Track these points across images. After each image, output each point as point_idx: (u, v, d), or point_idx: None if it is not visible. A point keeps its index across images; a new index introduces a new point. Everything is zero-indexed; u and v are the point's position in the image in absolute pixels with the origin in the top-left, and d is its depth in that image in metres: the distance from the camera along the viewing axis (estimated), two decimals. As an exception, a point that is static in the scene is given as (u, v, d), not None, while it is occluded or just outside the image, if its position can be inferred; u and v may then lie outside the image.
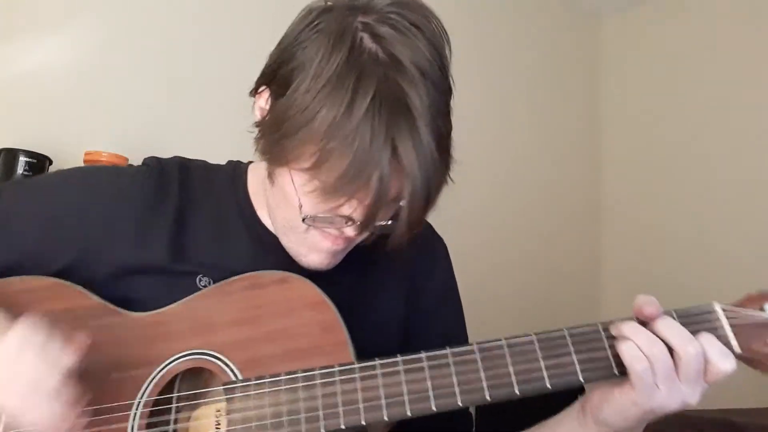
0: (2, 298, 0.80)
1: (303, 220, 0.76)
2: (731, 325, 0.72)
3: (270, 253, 0.85)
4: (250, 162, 0.95)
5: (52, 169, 1.71)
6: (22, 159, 1.64)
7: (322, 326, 0.76)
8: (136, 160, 0.95)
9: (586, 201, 3.36)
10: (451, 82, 0.78)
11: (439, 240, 1.01)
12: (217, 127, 1.91)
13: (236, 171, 0.94)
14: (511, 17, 3.18)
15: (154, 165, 0.90)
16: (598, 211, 3.38)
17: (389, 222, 0.76)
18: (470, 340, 0.96)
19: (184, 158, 0.95)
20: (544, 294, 3.04)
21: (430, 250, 0.98)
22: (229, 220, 0.89)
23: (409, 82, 0.70)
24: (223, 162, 0.98)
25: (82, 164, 1.73)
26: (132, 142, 1.93)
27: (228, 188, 0.92)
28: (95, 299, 0.81)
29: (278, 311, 0.78)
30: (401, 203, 0.72)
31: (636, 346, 0.68)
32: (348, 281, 0.81)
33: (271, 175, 0.80)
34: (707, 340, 0.68)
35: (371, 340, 0.77)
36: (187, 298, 0.80)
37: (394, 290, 0.93)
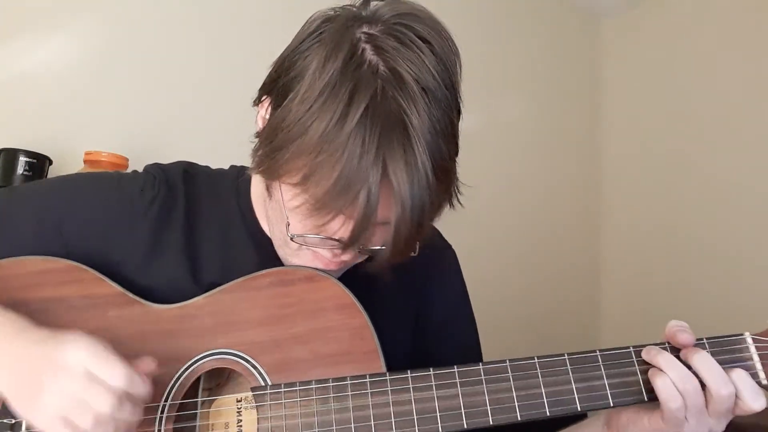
0: (21, 278, 0.77)
1: (291, 239, 0.73)
2: (760, 356, 0.73)
3: (274, 264, 0.81)
4: None
5: (52, 169, 1.69)
6: (22, 159, 1.60)
7: (352, 331, 0.75)
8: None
9: (586, 202, 3.34)
10: (460, 102, 0.73)
11: (448, 248, 0.98)
12: (218, 127, 1.90)
13: (240, 178, 0.89)
14: (510, 17, 3.10)
15: (159, 175, 0.86)
16: (598, 212, 3.37)
17: (382, 246, 0.70)
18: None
19: (187, 164, 0.91)
20: (544, 297, 3.05)
21: (438, 261, 0.95)
22: (233, 231, 0.86)
23: (408, 99, 0.65)
24: (223, 163, 0.94)
25: (82, 164, 1.70)
26: (132, 142, 1.90)
27: (232, 196, 0.88)
28: (114, 287, 0.78)
29: (307, 312, 0.76)
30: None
31: (672, 384, 0.68)
32: (354, 291, 0.78)
33: (268, 188, 0.77)
34: (740, 377, 0.69)
35: (383, 353, 0.75)
36: (212, 291, 0.78)
37: (402, 306, 0.90)
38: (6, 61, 1.80)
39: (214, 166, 0.94)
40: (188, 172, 0.89)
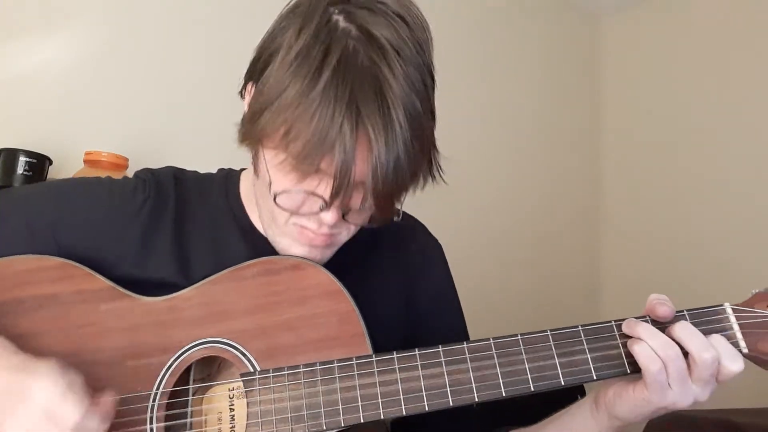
0: (13, 277, 0.79)
1: (275, 198, 0.74)
2: (740, 325, 0.74)
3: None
4: (243, 169, 0.94)
5: (52, 169, 1.69)
6: (22, 159, 1.59)
7: (338, 316, 0.76)
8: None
9: (586, 201, 3.35)
10: (433, 70, 0.75)
11: (434, 240, 1.00)
12: (217, 127, 1.87)
13: (228, 179, 0.92)
14: (510, 17, 3.12)
15: (149, 179, 0.88)
16: (598, 210, 3.38)
17: (365, 206, 0.73)
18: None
19: (176, 168, 0.93)
20: (543, 298, 3.06)
21: (425, 251, 0.98)
22: (224, 228, 0.88)
23: (379, 55, 0.68)
24: (223, 163, 0.96)
25: (82, 164, 1.71)
26: (132, 142, 1.91)
27: (221, 196, 0.90)
28: (105, 281, 0.79)
29: (294, 299, 0.78)
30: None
31: (649, 347, 0.69)
32: (346, 284, 0.79)
33: (255, 167, 0.79)
34: (717, 341, 0.70)
35: (374, 342, 0.77)
36: (200, 283, 0.79)
37: (393, 291, 0.92)
38: (6, 61, 1.80)
39: (214, 166, 0.97)
40: (177, 176, 0.91)
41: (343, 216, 0.75)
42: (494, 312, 2.70)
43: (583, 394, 0.81)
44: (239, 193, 0.91)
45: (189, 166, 0.95)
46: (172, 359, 0.75)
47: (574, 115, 3.36)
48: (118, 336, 0.77)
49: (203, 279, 0.81)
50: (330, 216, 0.74)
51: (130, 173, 1.60)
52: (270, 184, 0.74)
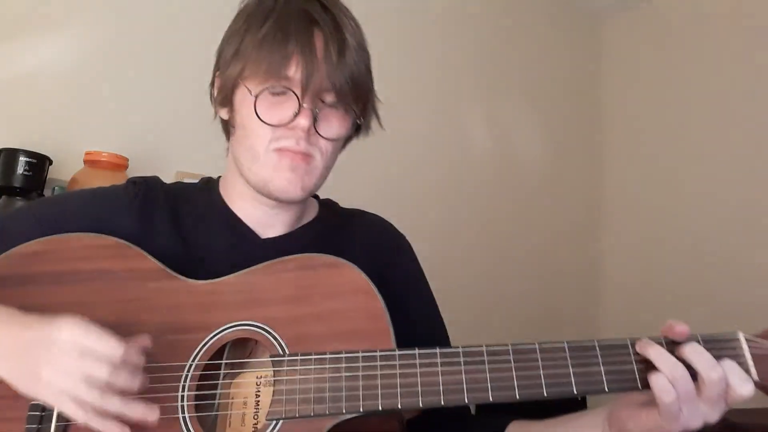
0: (73, 251, 0.87)
1: (254, 105, 0.86)
2: (752, 354, 0.76)
3: (244, 243, 0.95)
4: (220, 176, 1.06)
5: (52, 169, 1.73)
6: (22, 159, 1.64)
7: (367, 313, 0.81)
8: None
9: (586, 202, 3.36)
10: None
11: (401, 235, 1.10)
12: (217, 128, 1.96)
13: (209, 182, 1.04)
14: (511, 17, 3.19)
15: (138, 180, 1.00)
16: (598, 211, 3.38)
17: (333, 104, 0.88)
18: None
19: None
20: (543, 302, 3.06)
21: (393, 240, 1.08)
22: (206, 218, 0.98)
23: None
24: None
25: (82, 164, 1.78)
26: (132, 142, 1.94)
27: (203, 194, 1.02)
28: (155, 263, 0.86)
29: (327, 293, 0.83)
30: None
31: (665, 378, 0.72)
32: None
33: (232, 124, 0.94)
34: (728, 366, 0.72)
35: None
36: (241, 272, 0.86)
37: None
38: (6, 61, 1.84)
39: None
40: (164, 183, 1.03)
41: (315, 129, 0.87)
42: (493, 317, 2.71)
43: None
44: (218, 189, 1.01)
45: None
46: (208, 337, 0.81)
47: (574, 115, 3.37)
48: (161, 312, 0.83)
49: (200, 256, 0.91)
50: (304, 120, 0.85)
51: (130, 173, 1.66)
52: (250, 91, 0.87)
